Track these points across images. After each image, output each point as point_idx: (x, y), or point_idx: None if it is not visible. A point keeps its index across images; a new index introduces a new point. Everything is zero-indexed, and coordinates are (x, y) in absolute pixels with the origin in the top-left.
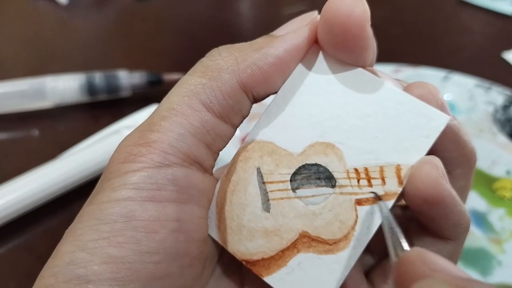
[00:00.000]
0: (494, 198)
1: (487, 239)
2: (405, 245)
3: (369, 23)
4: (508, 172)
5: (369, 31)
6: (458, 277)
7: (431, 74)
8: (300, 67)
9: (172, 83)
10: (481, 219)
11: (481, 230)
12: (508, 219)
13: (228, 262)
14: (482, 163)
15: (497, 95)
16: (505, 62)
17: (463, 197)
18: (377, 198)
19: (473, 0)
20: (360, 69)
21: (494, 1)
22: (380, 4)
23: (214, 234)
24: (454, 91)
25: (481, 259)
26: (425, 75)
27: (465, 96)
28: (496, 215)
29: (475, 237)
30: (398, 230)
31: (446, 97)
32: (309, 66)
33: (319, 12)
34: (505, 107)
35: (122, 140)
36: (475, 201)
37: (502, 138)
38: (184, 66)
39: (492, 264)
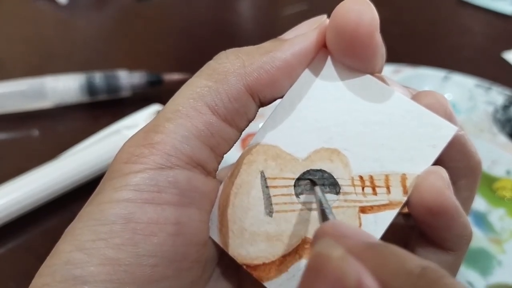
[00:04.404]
0: (494, 198)
1: (487, 239)
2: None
3: (378, 30)
4: (508, 172)
5: (378, 39)
6: (358, 242)
7: (431, 74)
8: (307, 72)
9: (172, 83)
10: (481, 219)
11: (481, 230)
12: (508, 219)
13: (227, 264)
14: (482, 163)
15: (497, 95)
16: (505, 62)
17: (467, 208)
18: (313, 183)
19: (473, 0)
20: (368, 76)
21: (494, 1)
22: (380, 4)
23: (215, 237)
24: (454, 91)
25: (481, 259)
26: (425, 75)
27: (465, 96)
28: (496, 215)
29: (475, 237)
30: (331, 215)
31: (446, 97)
32: (317, 71)
33: (328, 16)
34: (505, 107)
35: (127, 140)
36: (475, 201)
37: (502, 138)
38: (184, 66)
39: (492, 264)
